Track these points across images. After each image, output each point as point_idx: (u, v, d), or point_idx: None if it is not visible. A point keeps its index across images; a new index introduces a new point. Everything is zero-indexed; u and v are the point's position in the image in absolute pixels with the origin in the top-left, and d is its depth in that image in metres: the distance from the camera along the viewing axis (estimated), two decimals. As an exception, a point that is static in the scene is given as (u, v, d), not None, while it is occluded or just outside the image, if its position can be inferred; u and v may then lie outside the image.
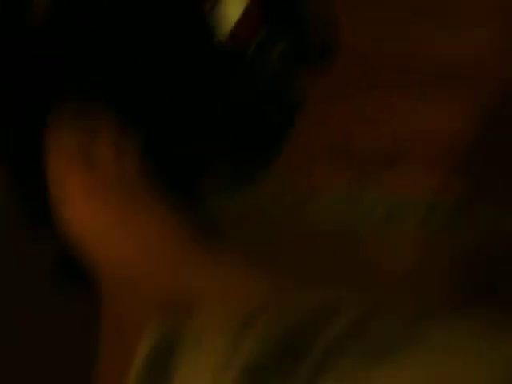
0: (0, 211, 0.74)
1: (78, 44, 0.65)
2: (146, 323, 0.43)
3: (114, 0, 0.65)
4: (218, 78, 0.67)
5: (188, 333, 0.40)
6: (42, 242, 0.68)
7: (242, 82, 0.69)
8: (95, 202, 0.55)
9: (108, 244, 0.53)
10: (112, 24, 0.65)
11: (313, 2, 0.77)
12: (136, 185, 0.58)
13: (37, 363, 0.76)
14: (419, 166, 0.91)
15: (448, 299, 0.78)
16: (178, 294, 0.46)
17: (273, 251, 0.78)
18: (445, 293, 0.80)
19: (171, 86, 0.68)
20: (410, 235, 0.85)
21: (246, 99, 0.71)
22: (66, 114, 0.61)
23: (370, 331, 0.34)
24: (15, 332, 0.77)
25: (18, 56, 0.66)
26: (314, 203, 0.87)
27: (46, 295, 0.76)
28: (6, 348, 0.76)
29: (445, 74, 0.89)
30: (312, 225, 0.85)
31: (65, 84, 0.65)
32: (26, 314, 0.78)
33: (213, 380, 0.35)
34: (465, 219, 0.85)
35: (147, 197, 0.57)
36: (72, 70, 0.65)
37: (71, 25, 0.64)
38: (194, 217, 0.61)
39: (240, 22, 0.72)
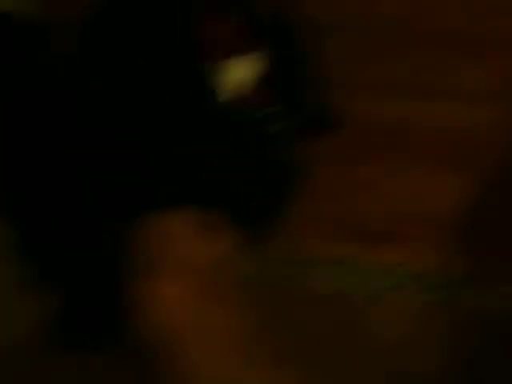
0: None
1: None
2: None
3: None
4: (219, 143, 0.68)
5: None
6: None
7: (241, 148, 0.70)
8: (181, 287, 0.56)
9: (181, 331, 0.54)
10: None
11: (312, 77, 0.79)
12: (224, 280, 0.59)
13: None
14: (419, 239, 0.91)
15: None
16: None
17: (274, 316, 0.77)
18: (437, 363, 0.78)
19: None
20: (406, 306, 0.84)
21: (246, 164, 0.71)
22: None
23: None
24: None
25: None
26: (314, 270, 0.86)
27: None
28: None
29: (445, 145, 0.91)
30: (312, 291, 0.84)
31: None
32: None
33: None
34: (464, 293, 0.84)
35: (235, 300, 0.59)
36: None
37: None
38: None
39: (242, 90, 0.74)
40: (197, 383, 0.52)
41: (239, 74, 0.76)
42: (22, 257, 0.70)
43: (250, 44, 0.78)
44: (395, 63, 0.93)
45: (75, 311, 0.71)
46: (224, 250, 0.61)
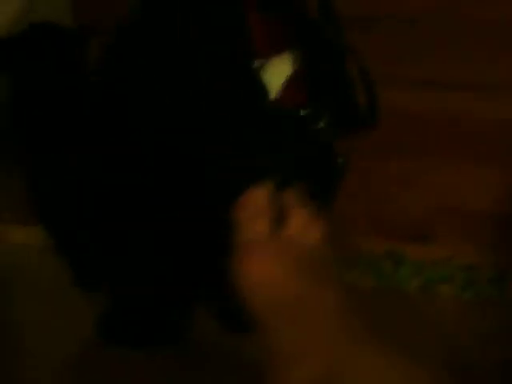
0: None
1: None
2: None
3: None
4: (270, 140, 0.68)
5: None
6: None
7: (292, 145, 0.70)
8: (279, 265, 0.55)
9: (279, 311, 0.54)
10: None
11: (353, 71, 0.78)
12: (321, 259, 0.58)
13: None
14: (457, 235, 0.90)
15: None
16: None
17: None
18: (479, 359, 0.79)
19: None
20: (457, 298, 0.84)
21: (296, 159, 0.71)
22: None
23: None
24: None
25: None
26: (362, 266, 0.87)
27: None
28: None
29: (486, 138, 0.90)
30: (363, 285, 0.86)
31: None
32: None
33: None
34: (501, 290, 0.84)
35: (328, 275, 0.57)
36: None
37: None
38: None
39: (285, 88, 0.73)
40: (299, 362, 0.51)
41: (280, 72, 0.76)
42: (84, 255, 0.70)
43: (289, 42, 0.78)
44: (435, 56, 0.92)
45: (136, 310, 0.72)
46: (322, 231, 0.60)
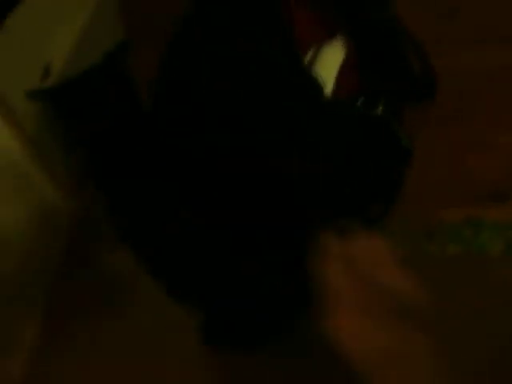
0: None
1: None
2: None
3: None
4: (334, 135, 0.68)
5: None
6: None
7: (355, 135, 0.69)
8: (368, 319, 0.54)
9: (370, 360, 0.53)
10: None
11: (408, 47, 0.77)
12: (413, 307, 0.56)
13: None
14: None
15: None
16: None
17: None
18: None
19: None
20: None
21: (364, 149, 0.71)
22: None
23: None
24: None
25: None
26: (438, 234, 0.87)
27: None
28: None
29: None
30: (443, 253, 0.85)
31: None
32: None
33: None
34: None
35: (420, 322, 0.55)
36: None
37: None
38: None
39: (340, 79, 0.73)
40: None
41: (332, 61, 0.75)
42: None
43: (337, 25, 0.77)
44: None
45: (232, 312, 0.74)
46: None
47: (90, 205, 0.94)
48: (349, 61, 0.75)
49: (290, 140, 0.65)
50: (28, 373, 0.84)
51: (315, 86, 0.68)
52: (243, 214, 0.65)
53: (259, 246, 0.66)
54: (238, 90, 0.66)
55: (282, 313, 0.73)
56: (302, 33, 0.73)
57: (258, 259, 0.67)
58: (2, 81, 0.76)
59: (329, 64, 0.75)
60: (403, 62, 0.77)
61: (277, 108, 0.66)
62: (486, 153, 0.90)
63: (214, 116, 0.66)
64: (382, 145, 0.69)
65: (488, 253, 0.86)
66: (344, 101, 0.72)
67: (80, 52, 0.93)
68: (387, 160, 0.70)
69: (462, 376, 0.51)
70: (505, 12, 0.94)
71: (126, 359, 0.82)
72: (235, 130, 0.65)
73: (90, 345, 0.84)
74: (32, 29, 0.83)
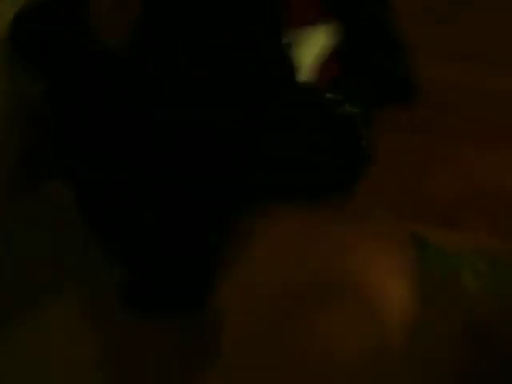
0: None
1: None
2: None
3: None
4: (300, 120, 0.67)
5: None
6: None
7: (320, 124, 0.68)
8: None
9: None
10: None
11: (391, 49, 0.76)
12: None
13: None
14: (483, 223, 0.88)
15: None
16: None
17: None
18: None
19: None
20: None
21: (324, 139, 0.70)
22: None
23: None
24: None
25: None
26: None
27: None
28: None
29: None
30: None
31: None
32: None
33: None
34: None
35: None
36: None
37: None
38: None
39: (322, 68, 0.71)
40: None
41: (315, 46, 0.73)
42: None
43: (323, 15, 0.74)
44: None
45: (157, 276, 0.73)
46: None
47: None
48: (335, 52, 0.74)
49: (246, 112, 0.64)
50: None
51: (286, 65, 0.67)
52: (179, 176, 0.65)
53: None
54: (207, 56, 0.65)
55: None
56: (295, 13, 0.71)
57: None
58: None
59: (310, 49, 0.73)
60: (387, 58, 0.76)
61: (241, 76, 0.66)
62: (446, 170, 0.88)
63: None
64: (338, 140, 0.68)
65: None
66: (314, 89, 0.70)
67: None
68: (342, 156, 0.69)
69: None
70: (496, 33, 0.92)
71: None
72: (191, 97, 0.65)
73: None
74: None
